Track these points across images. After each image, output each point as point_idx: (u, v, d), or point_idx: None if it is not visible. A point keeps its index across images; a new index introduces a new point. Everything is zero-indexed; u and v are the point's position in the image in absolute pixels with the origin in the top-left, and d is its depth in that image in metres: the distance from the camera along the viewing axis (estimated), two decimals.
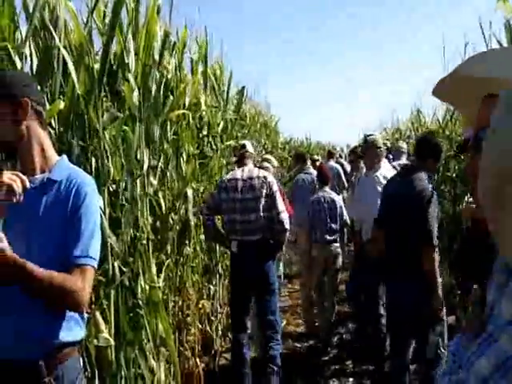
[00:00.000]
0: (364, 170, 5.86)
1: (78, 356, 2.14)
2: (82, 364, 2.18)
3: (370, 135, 5.71)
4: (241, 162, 4.91)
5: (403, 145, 7.70)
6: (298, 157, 8.32)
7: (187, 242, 4.74)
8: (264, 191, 4.59)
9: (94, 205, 2.10)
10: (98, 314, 2.90)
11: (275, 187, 4.67)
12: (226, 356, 5.73)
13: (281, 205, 4.64)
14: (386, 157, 7.53)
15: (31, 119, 2.07)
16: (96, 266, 2.07)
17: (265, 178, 4.67)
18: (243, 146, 4.99)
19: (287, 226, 4.63)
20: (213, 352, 5.50)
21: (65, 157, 2.21)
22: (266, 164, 5.73)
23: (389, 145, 9.46)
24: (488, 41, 5.18)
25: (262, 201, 4.58)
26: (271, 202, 4.59)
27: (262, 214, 4.57)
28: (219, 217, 5.00)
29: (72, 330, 2.05)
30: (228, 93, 6.28)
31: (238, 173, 4.76)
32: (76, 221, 2.01)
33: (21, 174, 1.88)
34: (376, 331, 5.17)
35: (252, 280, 4.62)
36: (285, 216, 4.60)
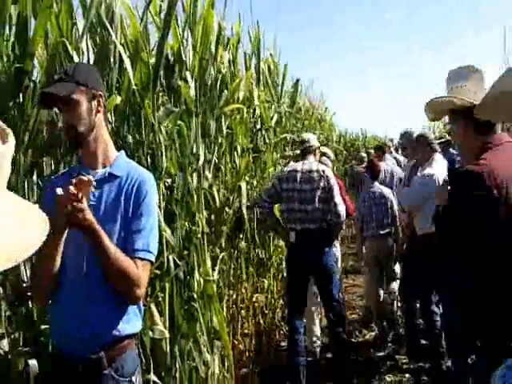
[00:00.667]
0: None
1: (136, 348, 2.18)
2: (138, 356, 2.21)
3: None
4: (303, 156, 5.04)
5: None
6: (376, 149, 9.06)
7: (241, 235, 4.75)
8: (321, 184, 4.74)
9: (154, 201, 2.15)
10: (153, 306, 2.93)
11: (333, 181, 4.81)
12: (280, 350, 5.73)
13: (338, 197, 4.76)
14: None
15: (100, 113, 2.12)
16: (154, 260, 2.12)
17: (323, 171, 4.82)
18: (307, 141, 5.09)
19: (343, 218, 4.78)
20: (267, 346, 5.49)
21: (123, 152, 2.25)
22: (323, 158, 5.74)
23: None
24: None
25: (319, 193, 4.73)
26: (329, 194, 4.74)
27: (318, 205, 4.71)
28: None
29: (131, 323, 2.10)
30: (282, 86, 6.25)
31: (299, 165, 4.91)
32: (138, 217, 2.06)
33: (88, 177, 1.92)
34: (430, 328, 5.07)
35: (310, 268, 4.77)
36: (341, 208, 4.74)
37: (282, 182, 4.84)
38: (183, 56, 3.35)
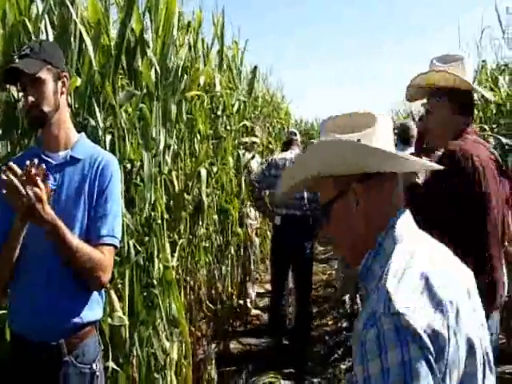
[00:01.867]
0: None
1: (97, 335, 2.15)
2: (99, 343, 2.18)
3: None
4: (288, 146, 5.55)
5: None
6: None
7: (200, 222, 4.72)
8: None
9: (118, 185, 2.14)
10: (112, 292, 2.89)
11: None
12: (237, 336, 5.75)
13: None
14: None
15: (64, 94, 2.07)
16: (118, 245, 2.10)
17: None
18: (293, 133, 5.70)
19: None
20: (224, 332, 5.50)
21: (84, 134, 2.21)
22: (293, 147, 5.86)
23: None
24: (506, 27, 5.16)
25: None
26: None
27: (304, 193, 5.01)
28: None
29: (92, 309, 2.08)
30: (241, 73, 6.23)
31: (287, 154, 5.39)
32: (102, 201, 2.04)
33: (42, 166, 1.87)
34: None
35: (291, 250, 5.15)
36: None
37: (271, 168, 5.24)
38: (145, 39, 3.29)
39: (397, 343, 1.01)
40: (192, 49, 4.49)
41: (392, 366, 1.00)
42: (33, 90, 1.99)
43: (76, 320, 2.01)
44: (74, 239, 1.93)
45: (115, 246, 2.08)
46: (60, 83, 2.06)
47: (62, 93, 2.07)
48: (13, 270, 1.99)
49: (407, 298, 1.06)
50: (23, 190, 1.79)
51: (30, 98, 1.98)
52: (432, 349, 1.02)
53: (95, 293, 2.09)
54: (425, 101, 2.74)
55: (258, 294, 7.01)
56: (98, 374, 2.09)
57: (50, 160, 2.05)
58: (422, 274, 1.11)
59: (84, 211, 2.02)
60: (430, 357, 1.02)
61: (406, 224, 1.24)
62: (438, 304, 1.08)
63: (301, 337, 5.28)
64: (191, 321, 4.55)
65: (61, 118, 2.08)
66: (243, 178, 6.14)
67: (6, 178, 1.80)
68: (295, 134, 5.66)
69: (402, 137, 5.56)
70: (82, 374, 2.04)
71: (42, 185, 1.84)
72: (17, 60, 2.04)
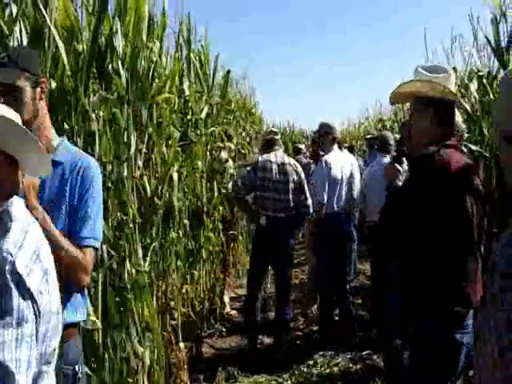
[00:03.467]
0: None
1: (79, 336, 2.19)
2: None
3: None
4: (270, 148, 5.51)
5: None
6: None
7: (171, 226, 4.72)
8: (294, 177, 5.32)
9: (99, 188, 2.16)
10: None
11: (303, 175, 5.44)
12: (209, 341, 5.76)
13: (307, 191, 5.36)
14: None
15: (43, 100, 2.09)
16: (99, 246, 2.15)
17: (295, 165, 5.45)
18: (274, 132, 5.73)
19: (311, 210, 5.37)
20: (196, 337, 5.50)
21: (65, 138, 2.24)
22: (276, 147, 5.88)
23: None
24: (476, 33, 5.27)
25: (292, 185, 5.29)
26: (300, 187, 5.34)
27: (290, 196, 5.27)
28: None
29: (75, 311, 2.11)
30: (214, 77, 6.24)
31: (272, 156, 5.40)
32: (84, 203, 2.08)
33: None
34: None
35: (274, 249, 5.32)
36: (310, 201, 5.36)
37: (257, 171, 5.32)
38: (114, 43, 3.29)
39: None
40: (159, 53, 4.48)
41: None
42: (11, 98, 1.99)
43: None
44: (59, 234, 1.97)
45: (96, 248, 2.12)
46: (38, 89, 2.08)
47: (40, 99, 2.09)
48: None
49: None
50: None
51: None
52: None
53: (78, 295, 2.12)
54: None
55: (231, 299, 7.04)
56: (80, 375, 2.12)
57: None
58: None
59: (66, 214, 2.06)
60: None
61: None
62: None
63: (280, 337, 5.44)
64: (163, 325, 4.55)
65: (41, 124, 2.10)
66: (215, 182, 6.18)
67: None
68: (276, 134, 5.72)
69: (380, 146, 5.78)
70: (65, 375, 2.05)
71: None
72: None
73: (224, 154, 6.58)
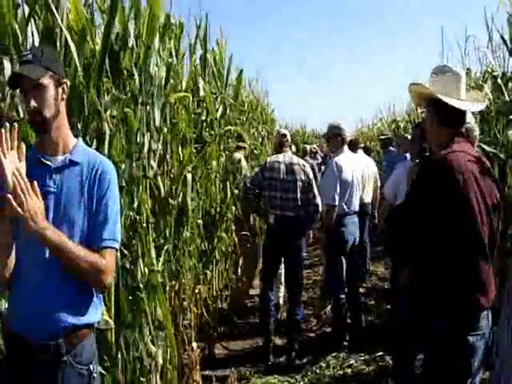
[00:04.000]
0: None
1: (94, 337, 2.20)
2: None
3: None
4: (280, 149, 5.61)
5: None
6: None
7: (185, 226, 4.73)
8: (302, 176, 5.39)
9: (117, 189, 2.19)
10: None
11: (311, 174, 5.51)
12: (222, 341, 5.76)
13: (316, 190, 5.44)
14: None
15: (63, 100, 2.11)
16: (118, 247, 2.19)
17: (303, 165, 5.50)
18: (284, 135, 5.72)
19: (321, 208, 5.43)
20: (209, 337, 5.50)
21: (81, 139, 2.26)
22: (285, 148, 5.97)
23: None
24: (491, 34, 5.22)
25: (300, 184, 5.36)
26: (308, 186, 5.39)
27: (298, 195, 5.33)
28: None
29: (91, 312, 2.12)
30: (227, 77, 6.24)
31: (280, 157, 5.49)
32: (103, 206, 2.09)
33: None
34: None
35: (284, 247, 5.41)
36: (319, 200, 5.42)
37: (264, 172, 5.39)
38: (128, 43, 3.30)
39: None
40: (176, 53, 4.50)
41: None
42: (35, 95, 2.02)
43: (75, 321, 2.05)
44: (73, 246, 1.98)
45: (116, 249, 2.15)
46: (60, 89, 2.10)
47: (62, 99, 2.11)
48: (10, 271, 2.02)
49: None
50: (23, 198, 1.86)
51: (33, 104, 2.01)
52: None
53: (94, 295, 2.13)
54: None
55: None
56: (94, 375, 2.14)
57: (48, 163, 2.10)
58: None
59: (84, 215, 2.07)
60: None
61: None
62: None
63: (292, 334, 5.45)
64: (176, 325, 4.55)
65: (60, 124, 2.12)
66: (228, 183, 6.20)
67: (15, 181, 1.86)
68: (285, 136, 5.75)
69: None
70: (80, 374, 2.08)
71: (39, 198, 1.91)
72: (17, 65, 2.07)
73: (239, 155, 6.61)
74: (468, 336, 2.40)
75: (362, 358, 5.19)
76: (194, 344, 4.77)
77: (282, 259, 5.60)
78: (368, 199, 7.19)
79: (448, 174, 2.42)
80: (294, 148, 7.20)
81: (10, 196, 1.85)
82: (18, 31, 2.41)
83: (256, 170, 5.73)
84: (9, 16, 2.43)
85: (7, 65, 2.37)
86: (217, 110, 5.69)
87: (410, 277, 2.79)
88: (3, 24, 2.40)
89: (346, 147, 5.65)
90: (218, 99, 5.86)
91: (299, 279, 5.55)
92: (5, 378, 2.08)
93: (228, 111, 6.34)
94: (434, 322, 2.48)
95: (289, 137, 5.83)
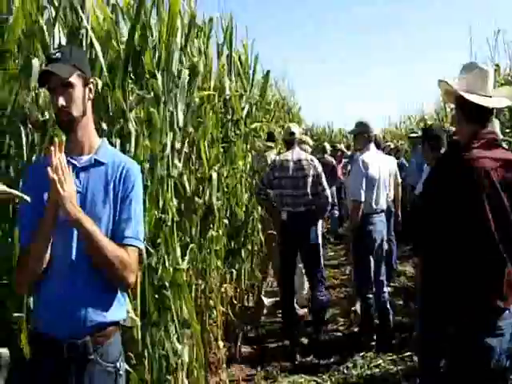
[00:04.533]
0: None
1: (119, 335, 2.21)
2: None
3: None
4: (290, 146, 5.77)
5: None
6: None
7: (211, 225, 4.74)
8: (311, 171, 5.53)
9: (141, 189, 2.21)
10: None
11: (320, 168, 5.64)
12: (248, 340, 5.76)
13: (325, 183, 5.60)
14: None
15: (90, 100, 2.12)
16: (142, 247, 2.21)
17: (311, 160, 5.65)
18: (292, 133, 5.84)
19: (330, 199, 5.71)
20: (235, 336, 5.51)
21: (105, 140, 2.28)
22: (303, 145, 6.30)
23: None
24: None
25: (310, 180, 5.51)
26: (317, 180, 5.53)
27: (308, 190, 5.49)
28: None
29: (117, 309, 2.15)
30: (253, 77, 6.25)
31: (289, 154, 5.67)
32: (127, 205, 2.11)
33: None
34: None
35: (299, 241, 5.56)
36: (329, 192, 5.65)
37: (274, 171, 5.58)
38: (149, 44, 3.31)
39: None
40: (203, 52, 4.51)
41: None
42: (63, 94, 2.04)
43: (101, 319, 2.07)
44: (101, 235, 2.01)
45: (139, 248, 2.16)
46: (87, 89, 2.13)
47: (89, 98, 2.14)
48: (41, 270, 2.03)
49: None
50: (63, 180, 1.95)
51: (61, 102, 2.04)
52: None
53: (119, 293, 2.15)
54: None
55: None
56: (121, 372, 2.16)
57: (74, 162, 2.12)
58: None
59: (109, 214, 2.09)
60: None
61: None
62: None
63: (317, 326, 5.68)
64: (203, 324, 4.57)
65: (86, 123, 2.14)
66: (254, 182, 6.21)
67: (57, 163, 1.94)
68: (293, 134, 5.84)
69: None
70: (107, 372, 2.09)
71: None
72: (44, 64, 2.10)
73: (272, 155, 6.63)
74: (485, 337, 2.37)
75: (390, 358, 5.16)
76: (221, 343, 4.79)
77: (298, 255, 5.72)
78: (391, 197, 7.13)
79: (466, 171, 2.43)
80: (310, 143, 7.22)
81: (54, 177, 1.91)
82: (46, 32, 2.44)
83: (267, 170, 5.85)
84: (34, 17, 2.48)
85: (35, 63, 2.39)
86: (242, 109, 5.70)
87: (425, 278, 2.78)
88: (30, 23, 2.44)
89: (372, 145, 5.60)
90: (244, 98, 5.86)
91: (319, 270, 5.70)
92: (32, 378, 2.11)
93: (254, 110, 6.33)
94: (451, 324, 2.47)
95: (298, 134, 5.97)
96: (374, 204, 5.44)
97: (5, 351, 2.33)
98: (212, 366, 4.50)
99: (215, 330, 4.82)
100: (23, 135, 2.45)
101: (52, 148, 1.96)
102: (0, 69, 2.39)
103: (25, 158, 2.49)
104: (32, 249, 2.01)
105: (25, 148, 2.48)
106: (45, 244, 2.00)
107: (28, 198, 1.93)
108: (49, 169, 1.92)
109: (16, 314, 2.41)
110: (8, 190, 1.86)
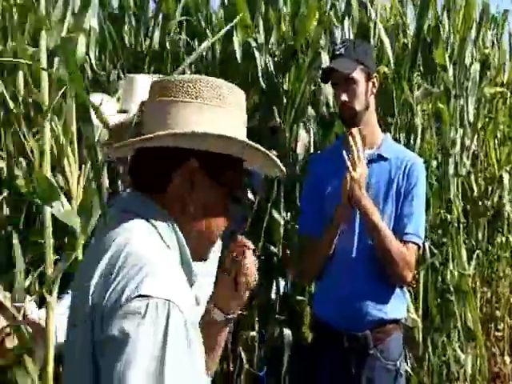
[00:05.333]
0: None
1: (401, 334, 2.18)
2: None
3: None
4: None
5: None
6: None
7: (500, 230, 4.41)
8: None
9: (424, 187, 2.16)
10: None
11: None
12: None
13: None
14: None
15: (373, 95, 2.15)
16: (421, 244, 2.18)
17: None
18: None
19: None
20: None
21: (389, 135, 2.28)
22: None
23: None
24: None
25: None
26: None
27: None
28: None
29: (397, 307, 2.12)
30: None
31: None
32: (409, 201, 2.09)
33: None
34: None
35: None
36: None
37: None
38: (441, 36, 3.19)
39: None
40: (496, 43, 4.24)
41: None
42: (345, 89, 2.08)
43: (381, 314, 2.06)
44: (382, 223, 2.01)
45: (418, 246, 2.12)
46: (370, 83, 2.13)
47: (371, 93, 2.14)
48: (327, 257, 2.10)
49: None
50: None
51: (343, 97, 2.08)
52: None
53: (399, 291, 2.12)
54: None
55: None
56: (402, 372, 2.12)
57: None
58: None
59: (392, 208, 2.08)
60: None
61: None
62: None
63: None
64: (487, 335, 4.27)
65: (368, 118, 2.14)
66: None
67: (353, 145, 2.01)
68: None
69: None
70: (387, 370, 2.07)
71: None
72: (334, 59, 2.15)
73: None
74: None
75: None
76: (507, 358, 4.43)
77: None
78: None
79: None
80: None
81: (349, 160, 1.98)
82: (334, 28, 2.50)
83: None
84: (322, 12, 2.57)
85: (325, 57, 2.47)
86: None
87: None
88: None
89: None
90: None
91: None
92: (312, 361, 2.18)
93: None
94: None
95: None
96: None
97: (288, 332, 2.46)
98: (497, 381, 4.18)
99: (501, 344, 4.48)
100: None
101: (350, 136, 2.01)
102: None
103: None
104: (324, 243, 2.08)
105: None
106: (332, 240, 2.06)
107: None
108: (344, 152, 1.98)
109: (299, 298, 2.51)
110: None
